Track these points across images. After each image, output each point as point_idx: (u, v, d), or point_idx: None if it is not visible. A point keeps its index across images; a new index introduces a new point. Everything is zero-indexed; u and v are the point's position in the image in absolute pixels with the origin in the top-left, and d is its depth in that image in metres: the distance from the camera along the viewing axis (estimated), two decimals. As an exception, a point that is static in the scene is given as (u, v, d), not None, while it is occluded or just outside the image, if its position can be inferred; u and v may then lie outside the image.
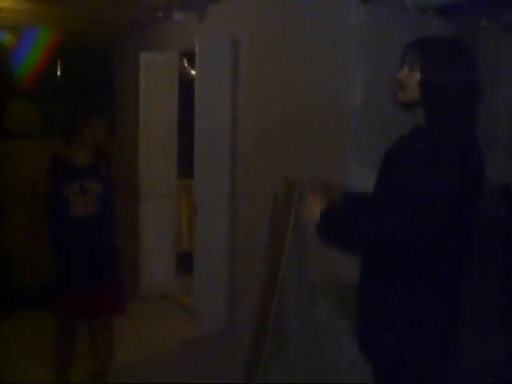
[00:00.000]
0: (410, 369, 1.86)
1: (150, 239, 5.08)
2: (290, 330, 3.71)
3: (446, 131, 1.85)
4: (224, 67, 4.32)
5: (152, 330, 4.54)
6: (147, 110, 5.25)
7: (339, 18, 3.26)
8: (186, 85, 5.26)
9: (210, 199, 4.39)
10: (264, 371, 3.54)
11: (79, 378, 3.44)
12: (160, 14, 5.04)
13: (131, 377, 3.72)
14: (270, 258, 3.75)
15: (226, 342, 4.34)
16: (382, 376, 1.97)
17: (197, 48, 4.30)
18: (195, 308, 4.48)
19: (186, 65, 5.97)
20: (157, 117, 5.26)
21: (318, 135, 3.45)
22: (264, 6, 3.98)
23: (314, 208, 1.97)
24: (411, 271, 1.84)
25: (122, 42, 6.34)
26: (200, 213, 4.39)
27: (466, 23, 3.28)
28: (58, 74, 6.71)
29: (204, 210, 4.38)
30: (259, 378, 3.52)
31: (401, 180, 1.85)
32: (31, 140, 5.90)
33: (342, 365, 3.24)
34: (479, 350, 2.79)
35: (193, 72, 5.46)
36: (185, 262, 5.17)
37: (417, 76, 1.88)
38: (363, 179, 3.04)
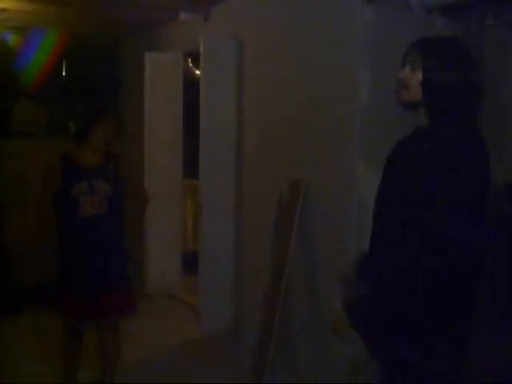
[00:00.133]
0: (417, 370, 1.85)
1: (156, 239, 5.07)
2: (296, 331, 3.70)
3: (448, 131, 1.85)
4: (229, 67, 4.32)
5: (157, 330, 4.55)
6: (152, 110, 5.25)
7: (344, 18, 3.26)
8: (191, 85, 5.26)
9: (215, 199, 4.39)
10: (269, 372, 3.54)
11: (87, 377, 3.45)
12: (165, 15, 5.05)
13: (136, 376, 3.73)
14: (275, 258, 3.75)
15: (231, 342, 4.34)
16: (390, 377, 1.97)
17: (201, 48, 4.30)
18: (200, 308, 4.48)
19: (190, 65, 5.97)
20: (162, 117, 5.26)
21: (323, 135, 3.44)
22: (268, 7, 3.98)
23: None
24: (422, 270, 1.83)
25: (127, 42, 6.35)
26: (205, 213, 4.39)
27: (471, 22, 3.27)
28: (63, 74, 6.73)
29: (209, 210, 4.38)
30: (265, 379, 3.52)
31: (408, 187, 1.85)
32: (36, 139, 5.93)
33: (347, 366, 3.23)
34: (485, 350, 2.78)
35: (197, 72, 5.47)
36: (190, 262, 5.17)
37: (419, 76, 1.89)
38: (369, 179, 3.05)
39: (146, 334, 4.40)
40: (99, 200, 3.10)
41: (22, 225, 5.23)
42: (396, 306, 1.87)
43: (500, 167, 2.97)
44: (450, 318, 1.84)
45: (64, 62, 6.61)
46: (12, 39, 5.85)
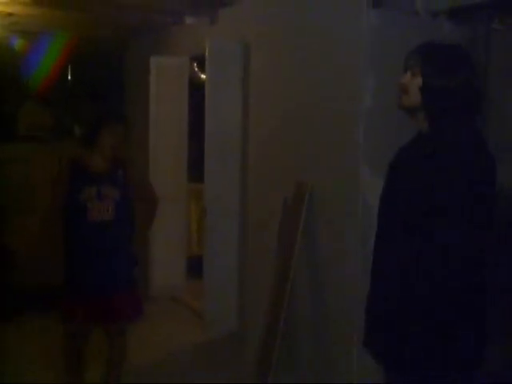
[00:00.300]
0: (423, 372, 1.85)
1: (161, 242, 5.08)
2: (300, 333, 3.70)
3: (448, 136, 1.86)
4: (234, 71, 4.33)
5: (161, 333, 4.55)
6: (157, 114, 5.26)
7: (349, 22, 3.26)
8: (197, 89, 5.27)
9: (219, 203, 4.40)
10: (274, 374, 3.53)
11: (92, 380, 3.45)
12: (171, 19, 5.06)
13: (140, 378, 3.73)
14: (280, 261, 3.74)
15: (236, 345, 4.33)
16: (395, 378, 1.96)
17: (207, 52, 4.31)
18: (205, 311, 4.48)
19: (196, 69, 5.98)
20: (167, 121, 5.27)
21: (327, 138, 3.44)
22: (275, 10, 3.99)
23: None
24: (427, 275, 1.83)
25: (132, 46, 6.37)
26: (210, 216, 4.40)
27: (478, 26, 3.27)
28: (69, 78, 6.76)
29: (214, 213, 4.39)
30: (270, 382, 3.51)
31: (411, 193, 1.86)
32: (42, 143, 5.95)
33: (352, 368, 3.23)
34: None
35: (203, 76, 5.48)
36: (195, 266, 5.17)
37: (419, 81, 1.90)
38: (373, 182, 3.05)
39: (150, 337, 4.40)
40: (107, 205, 3.10)
41: (26, 228, 5.26)
42: (399, 311, 1.87)
43: (506, 168, 2.95)
44: (458, 325, 1.84)
45: (70, 67, 6.64)
46: (18, 43, 5.88)
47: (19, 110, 6.30)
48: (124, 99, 6.45)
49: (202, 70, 5.45)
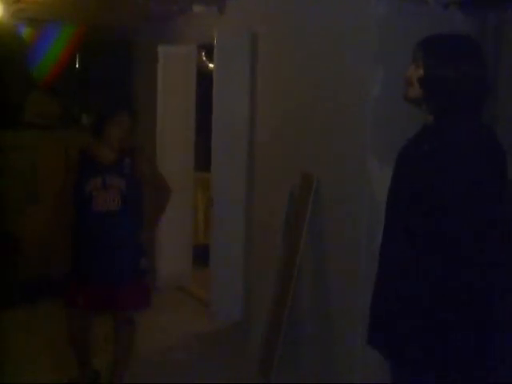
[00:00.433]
0: (427, 370, 1.84)
1: (167, 232, 5.08)
2: (304, 326, 3.70)
3: (452, 128, 1.85)
4: (242, 61, 4.31)
5: (167, 322, 4.56)
6: (165, 103, 5.25)
7: (358, 11, 3.23)
8: (204, 78, 5.26)
9: (226, 193, 4.39)
10: (278, 365, 3.54)
11: (100, 366, 3.48)
12: (179, 8, 5.04)
13: (146, 367, 3.74)
14: (286, 251, 3.74)
15: (241, 334, 4.35)
16: (401, 373, 1.96)
17: (215, 41, 4.29)
18: (210, 300, 4.49)
19: (204, 58, 5.96)
20: (174, 109, 5.26)
21: (335, 130, 3.43)
22: (282, 0, 3.96)
23: None
24: (434, 270, 1.82)
25: (140, 34, 6.35)
26: (217, 206, 4.39)
27: (488, 18, 3.23)
28: (77, 66, 6.75)
29: (221, 203, 4.39)
30: (274, 372, 3.53)
31: (417, 186, 1.84)
32: (49, 131, 5.96)
33: (356, 363, 3.23)
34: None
35: (211, 65, 5.46)
36: (201, 255, 5.18)
37: (421, 73, 1.90)
38: (381, 174, 3.04)
39: (155, 325, 4.42)
40: (113, 195, 3.11)
41: (31, 215, 5.28)
42: (404, 308, 1.86)
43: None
44: (463, 323, 1.82)
45: (77, 55, 6.63)
46: (26, 31, 5.86)
47: (26, 99, 6.30)
48: (132, 88, 6.44)
49: (210, 59, 5.43)
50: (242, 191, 4.43)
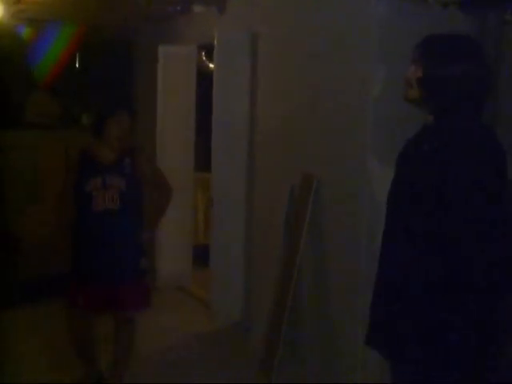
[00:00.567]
0: (426, 370, 1.84)
1: (167, 232, 5.08)
2: (305, 325, 3.70)
3: (452, 129, 1.85)
4: (243, 61, 4.31)
5: (167, 322, 4.56)
6: (165, 103, 5.25)
7: (358, 11, 3.23)
8: (205, 78, 5.26)
9: (226, 193, 4.40)
10: (279, 365, 3.54)
11: (100, 367, 3.48)
12: (179, 7, 5.03)
13: (146, 367, 3.74)
14: (287, 251, 3.74)
15: (241, 334, 4.35)
16: (401, 372, 1.96)
17: (216, 41, 4.29)
18: (211, 301, 4.49)
19: (204, 58, 5.96)
20: (174, 109, 5.26)
21: (335, 130, 3.43)
22: (283, 0, 3.96)
23: None
24: (434, 270, 1.82)
25: (140, 34, 6.35)
26: (217, 206, 4.39)
27: (489, 18, 3.23)
28: (77, 66, 6.75)
29: (221, 203, 4.39)
30: (274, 377, 3.52)
31: (418, 187, 1.85)
32: (50, 131, 5.96)
33: (356, 363, 3.23)
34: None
35: (211, 65, 5.46)
36: (201, 255, 5.18)
37: (419, 73, 1.90)
38: (381, 174, 3.04)
39: (156, 326, 4.41)
40: (112, 195, 3.12)
41: (32, 215, 5.28)
42: (404, 308, 1.86)
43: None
44: (464, 323, 1.82)
45: (78, 55, 6.63)
46: (26, 32, 5.86)
47: (27, 99, 6.30)
48: (132, 88, 6.44)
49: (210, 59, 5.43)
50: (242, 191, 4.43)
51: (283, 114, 3.96)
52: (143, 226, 3.29)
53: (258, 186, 4.31)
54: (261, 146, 4.26)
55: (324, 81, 3.52)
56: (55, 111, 6.41)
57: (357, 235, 3.21)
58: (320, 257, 3.55)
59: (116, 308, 3.22)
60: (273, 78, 4.10)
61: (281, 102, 4.00)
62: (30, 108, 6.31)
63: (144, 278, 3.28)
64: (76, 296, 3.18)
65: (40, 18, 5.52)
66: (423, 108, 1.96)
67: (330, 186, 3.44)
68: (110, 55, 6.38)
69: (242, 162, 4.40)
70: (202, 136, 5.26)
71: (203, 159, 5.30)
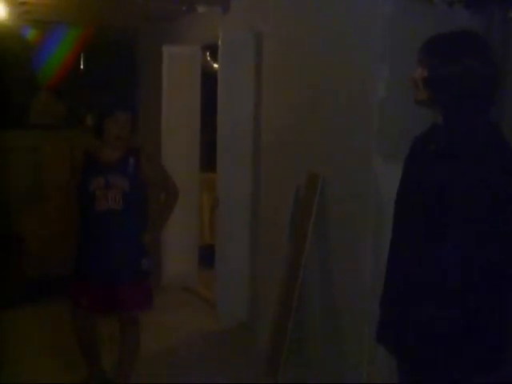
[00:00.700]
0: (437, 368, 1.83)
1: (173, 232, 5.09)
2: (311, 326, 3.69)
3: (461, 128, 1.84)
4: (247, 61, 4.31)
5: (173, 322, 4.57)
6: (170, 103, 5.25)
7: (363, 11, 3.22)
8: (209, 78, 5.26)
9: (232, 193, 4.39)
10: (284, 366, 3.54)
11: (106, 368, 3.48)
12: (183, 8, 5.04)
13: (152, 367, 3.75)
14: (292, 252, 3.74)
15: (247, 334, 4.35)
16: (408, 372, 1.95)
17: (220, 41, 4.29)
18: (217, 301, 4.49)
19: (208, 58, 5.96)
20: (179, 109, 5.26)
21: (340, 129, 3.42)
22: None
23: None
24: (443, 269, 1.81)
25: (144, 35, 6.35)
26: (222, 206, 4.39)
27: (495, 16, 3.21)
28: (82, 67, 6.77)
29: (226, 203, 4.39)
30: (280, 376, 3.52)
31: (427, 185, 1.84)
32: (54, 132, 5.98)
33: (363, 363, 3.22)
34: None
35: (215, 65, 5.46)
36: (207, 256, 5.18)
37: (425, 74, 1.89)
38: (386, 174, 3.03)
39: (161, 326, 4.42)
40: (115, 195, 3.12)
41: (37, 215, 5.30)
42: (413, 306, 1.85)
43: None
44: (476, 323, 1.81)
45: (82, 56, 6.65)
46: (32, 33, 5.88)
47: (32, 99, 6.32)
48: (135, 88, 6.45)
49: (215, 59, 5.43)
50: (247, 191, 4.42)
51: (288, 114, 3.96)
52: (147, 227, 3.28)
53: (263, 186, 4.31)
54: (266, 146, 4.26)
55: (329, 80, 3.51)
56: (60, 112, 6.42)
57: (362, 234, 3.20)
58: (326, 256, 3.54)
59: (116, 308, 3.22)
60: (277, 77, 4.10)
61: (285, 102, 3.99)
62: (35, 108, 6.33)
63: (146, 279, 3.27)
64: (78, 295, 3.19)
65: (45, 19, 5.54)
66: (432, 109, 1.94)
67: (335, 186, 3.44)
68: (115, 56, 6.40)
69: (248, 162, 4.40)
70: (208, 136, 5.26)
71: (209, 160, 5.30)
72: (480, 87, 1.86)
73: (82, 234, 3.23)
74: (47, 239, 4.94)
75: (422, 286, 1.84)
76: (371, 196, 3.16)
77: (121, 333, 3.31)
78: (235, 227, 4.43)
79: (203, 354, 4.09)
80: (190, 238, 5.38)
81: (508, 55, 3.18)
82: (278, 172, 4.10)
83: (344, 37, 3.37)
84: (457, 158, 1.79)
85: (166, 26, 5.73)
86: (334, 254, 3.47)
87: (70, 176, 3.36)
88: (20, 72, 6.10)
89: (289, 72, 3.95)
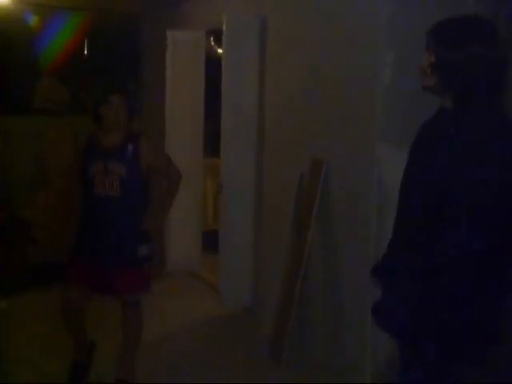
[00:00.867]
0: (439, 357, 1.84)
1: (177, 218, 5.10)
2: (314, 311, 3.71)
3: (472, 115, 1.82)
4: (251, 45, 4.29)
5: (177, 307, 4.59)
6: (174, 89, 5.25)
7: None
8: (213, 63, 5.24)
9: (235, 178, 4.40)
10: (288, 354, 3.56)
11: (109, 353, 3.50)
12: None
13: (155, 352, 3.77)
14: (296, 236, 3.75)
15: (251, 319, 4.37)
16: (409, 359, 1.97)
17: (224, 26, 4.27)
18: (220, 285, 4.52)
19: (212, 43, 5.94)
20: (183, 95, 5.25)
21: (345, 115, 3.41)
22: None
23: None
24: (447, 257, 1.82)
25: (148, 20, 6.33)
26: (226, 191, 4.40)
27: (502, 2, 3.19)
28: (85, 52, 6.74)
29: (230, 189, 4.39)
30: (284, 361, 3.54)
31: (434, 172, 1.83)
32: (58, 117, 5.97)
33: (366, 348, 3.24)
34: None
35: (220, 50, 5.44)
36: (210, 241, 5.20)
37: (432, 59, 1.87)
38: (390, 160, 3.03)
39: (165, 311, 4.45)
40: (112, 182, 3.13)
41: (43, 200, 5.31)
42: (421, 299, 1.86)
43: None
44: (479, 313, 1.82)
45: (86, 41, 6.62)
46: (34, 18, 5.86)
47: (36, 85, 6.31)
48: (140, 74, 6.43)
49: (219, 44, 5.40)
50: (251, 177, 4.43)
51: (292, 100, 3.95)
52: (147, 213, 3.27)
53: (267, 172, 4.31)
54: (270, 132, 4.25)
55: (334, 66, 3.50)
56: (64, 97, 6.42)
57: (366, 220, 3.21)
58: (329, 242, 3.55)
59: (110, 292, 3.23)
60: (282, 62, 4.08)
61: (290, 88, 3.98)
62: (39, 94, 6.32)
63: (142, 265, 3.26)
64: (71, 274, 3.22)
65: (48, 3, 5.51)
66: (440, 95, 1.92)
67: (339, 172, 3.44)
68: (119, 41, 6.37)
69: (251, 147, 4.40)
70: (211, 121, 5.26)
71: (212, 145, 5.30)
72: (489, 72, 1.84)
73: (82, 217, 3.27)
74: (53, 223, 4.95)
75: (426, 272, 1.84)
76: (375, 182, 3.16)
77: (123, 317, 3.32)
78: (239, 213, 4.44)
79: (207, 339, 4.11)
80: (194, 223, 5.40)
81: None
82: (282, 158, 4.10)
83: (350, 23, 3.36)
84: (464, 145, 1.78)
85: (170, 12, 5.70)
86: (338, 240, 3.48)
87: (73, 159, 3.35)
88: (24, 57, 6.08)
89: (293, 57, 3.93)
